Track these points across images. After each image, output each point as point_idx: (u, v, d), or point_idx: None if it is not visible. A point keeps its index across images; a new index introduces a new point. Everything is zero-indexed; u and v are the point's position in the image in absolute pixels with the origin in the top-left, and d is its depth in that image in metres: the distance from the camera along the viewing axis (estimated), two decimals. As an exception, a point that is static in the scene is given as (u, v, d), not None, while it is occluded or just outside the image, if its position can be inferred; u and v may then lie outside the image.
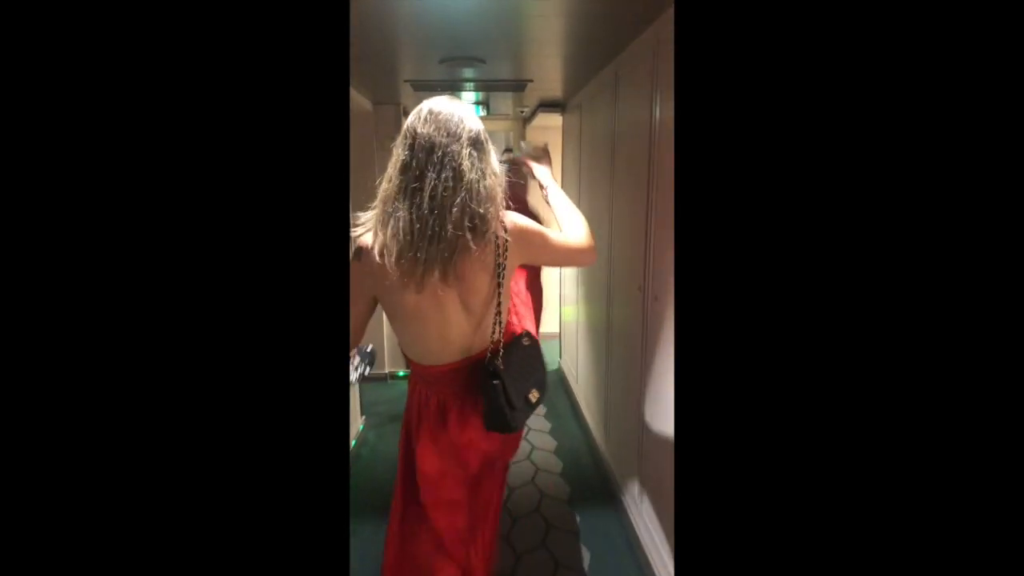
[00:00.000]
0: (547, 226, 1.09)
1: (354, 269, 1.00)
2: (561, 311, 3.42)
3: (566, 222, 1.14)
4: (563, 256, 1.09)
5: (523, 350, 1.10)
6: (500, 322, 1.05)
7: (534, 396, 1.09)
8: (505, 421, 1.04)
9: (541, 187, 1.23)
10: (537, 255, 1.07)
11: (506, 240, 0.99)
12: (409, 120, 0.96)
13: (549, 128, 3.39)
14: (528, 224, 1.04)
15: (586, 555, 1.81)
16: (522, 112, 3.40)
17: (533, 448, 2.64)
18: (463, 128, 0.95)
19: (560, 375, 3.46)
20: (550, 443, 2.69)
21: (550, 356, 4.14)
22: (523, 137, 3.71)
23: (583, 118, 2.62)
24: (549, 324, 4.36)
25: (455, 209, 0.91)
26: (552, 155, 1.30)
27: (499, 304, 1.03)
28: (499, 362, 1.04)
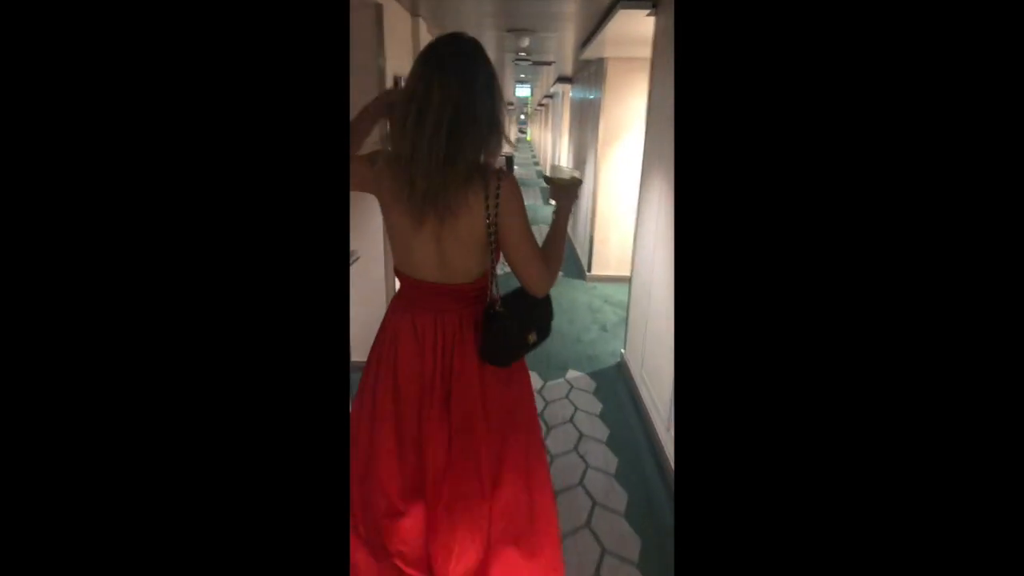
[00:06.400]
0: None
1: (359, 166, 1.03)
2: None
3: (550, 242, 1.11)
4: (523, 253, 1.04)
5: (531, 298, 1.10)
6: (493, 264, 1.07)
7: (532, 338, 1.14)
8: (497, 353, 1.08)
9: (555, 206, 1.20)
10: (507, 231, 1.02)
11: (497, 187, 0.98)
12: (431, 42, 0.99)
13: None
14: (519, 194, 1.02)
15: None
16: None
17: (581, 436, 2.22)
18: (480, 60, 0.97)
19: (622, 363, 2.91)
20: (601, 430, 2.26)
21: (619, 298, 3.79)
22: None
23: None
24: (619, 267, 4.04)
25: (455, 138, 0.93)
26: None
27: (493, 244, 1.03)
28: (499, 305, 1.07)
